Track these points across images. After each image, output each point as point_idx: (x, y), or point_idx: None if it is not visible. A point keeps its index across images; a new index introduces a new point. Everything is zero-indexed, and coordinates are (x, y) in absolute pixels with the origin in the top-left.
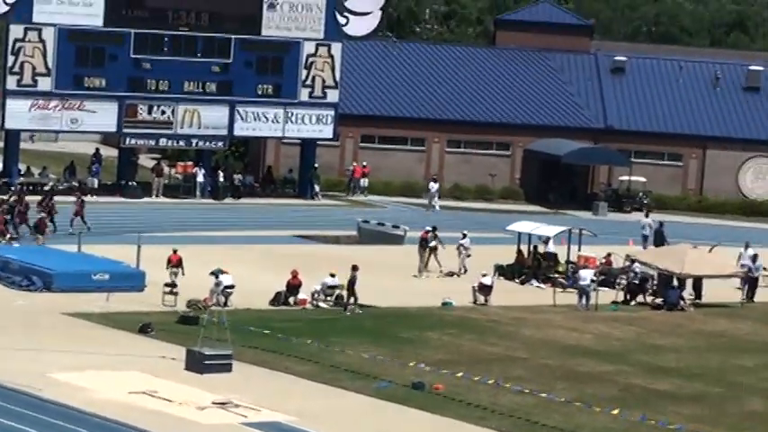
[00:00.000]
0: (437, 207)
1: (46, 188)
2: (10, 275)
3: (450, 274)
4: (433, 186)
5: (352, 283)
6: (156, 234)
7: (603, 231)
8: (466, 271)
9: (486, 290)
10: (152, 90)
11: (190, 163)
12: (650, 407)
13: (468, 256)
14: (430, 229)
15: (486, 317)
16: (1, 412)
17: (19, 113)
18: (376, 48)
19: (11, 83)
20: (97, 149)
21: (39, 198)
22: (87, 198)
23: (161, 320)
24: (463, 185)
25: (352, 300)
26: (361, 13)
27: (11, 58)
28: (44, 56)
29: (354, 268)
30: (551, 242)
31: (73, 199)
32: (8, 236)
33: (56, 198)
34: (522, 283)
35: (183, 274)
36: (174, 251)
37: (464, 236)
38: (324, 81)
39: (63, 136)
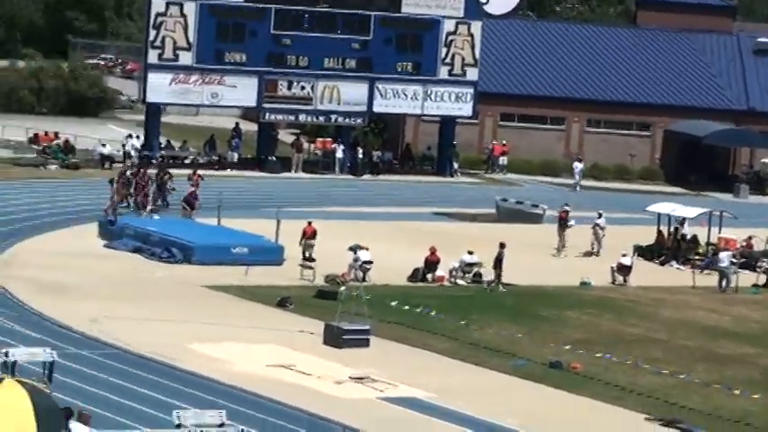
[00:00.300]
0: (579, 187)
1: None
2: (150, 247)
3: (588, 254)
4: (578, 166)
5: (499, 260)
6: (295, 209)
7: (744, 214)
8: (599, 251)
9: (625, 270)
10: (292, 66)
11: (329, 139)
12: None
13: (603, 236)
14: (568, 208)
15: (624, 297)
16: (140, 382)
17: (160, 87)
18: (516, 26)
19: (152, 57)
20: (237, 124)
21: (188, 172)
22: (227, 172)
23: (299, 294)
24: (602, 165)
25: (495, 278)
26: None
27: (152, 33)
28: (185, 30)
29: (502, 245)
30: (686, 224)
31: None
32: (149, 208)
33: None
34: (662, 264)
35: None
36: (309, 223)
37: (600, 215)
38: (463, 59)
39: (202, 110)
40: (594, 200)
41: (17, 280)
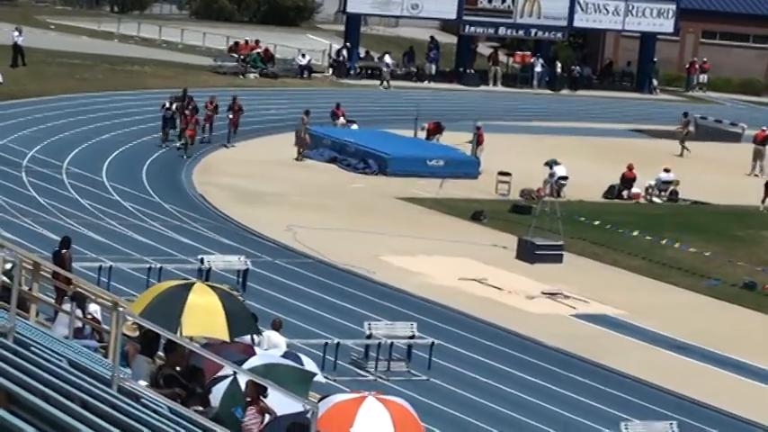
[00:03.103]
0: None
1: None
2: (346, 158)
3: None
4: None
5: None
6: (492, 122)
7: None
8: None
9: None
10: None
11: (528, 53)
12: None
13: None
14: (766, 128)
15: None
16: (332, 292)
17: None
18: None
19: None
20: (432, 37)
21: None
22: (425, 84)
23: (494, 209)
24: None
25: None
26: None
27: None
28: None
29: None
30: None
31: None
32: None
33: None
34: None
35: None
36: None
37: None
38: None
39: (402, 21)
40: None
41: (214, 187)
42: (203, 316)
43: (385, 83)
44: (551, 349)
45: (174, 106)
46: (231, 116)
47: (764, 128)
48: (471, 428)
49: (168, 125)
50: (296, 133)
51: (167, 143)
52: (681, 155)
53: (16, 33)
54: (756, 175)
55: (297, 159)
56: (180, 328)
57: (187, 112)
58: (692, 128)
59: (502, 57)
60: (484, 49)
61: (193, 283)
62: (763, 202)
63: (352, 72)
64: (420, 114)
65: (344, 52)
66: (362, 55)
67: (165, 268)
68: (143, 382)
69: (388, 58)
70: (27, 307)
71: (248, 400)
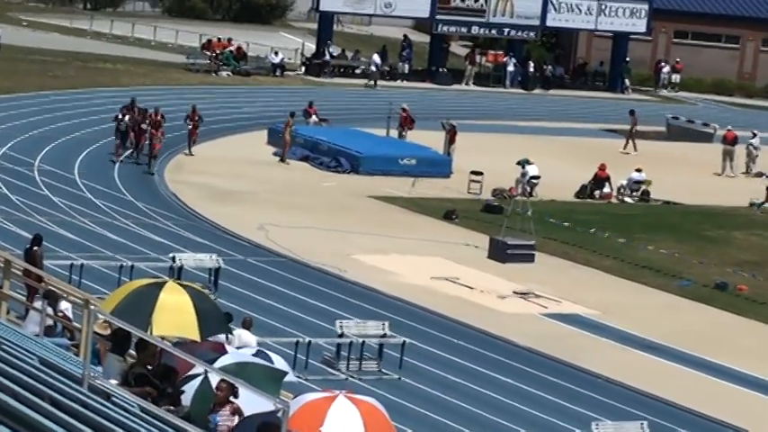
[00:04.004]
0: None
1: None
2: (319, 156)
3: (760, 175)
4: None
5: None
6: (465, 121)
7: None
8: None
9: None
10: None
11: (500, 52)
12: None
13: (757, 156)
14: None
15: None
16: (304, 290)
17: None
18: None
19: None
20: (405, 35)
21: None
22: (397, 83)
23: (466, 208)
24: None
25: None
26: None
27: None
28: None
29: None
30: None
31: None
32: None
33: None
34: None
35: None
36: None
37: (754, 135)
38: None
39: (375, 20)
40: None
41: (186, 186)
42: (174, 315)
43: (371, 82)
44: (523, 349)
45: (126, 118)
46: (191, 126)
47: (729, 127)
48: (442, 428)
49: (123, 138)
50: (282, 135)
51: (121, 158)
52: (625, 150)
53: None
54: (729, 176)
55: (281, 161)
56: (150, 327)
57: (144, 125)
58: (638, 126)
59: (477, 56)
60: (457, 48)
61: (165, 282)
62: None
63: (326, 70)
64: (392, 113)
65: (331, 50)
66: (336, 53)
67: (136, 266)
68: (114, 381)
69: (376, 58)
70: None
71: (220, 401)
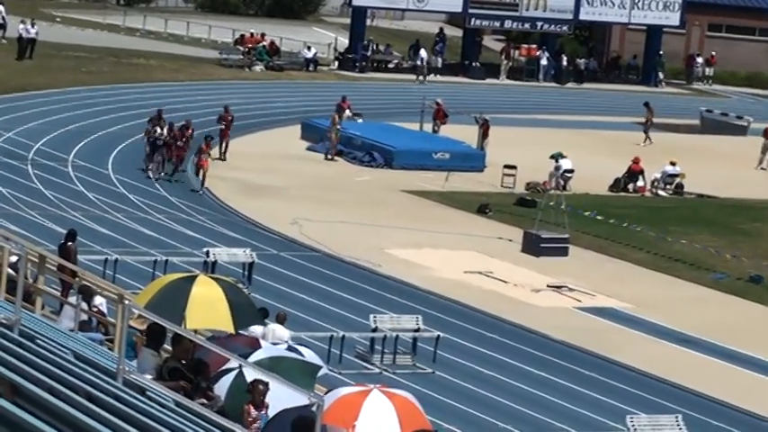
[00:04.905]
0: None
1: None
2: (352, 151)
3: None
4: None
5: None
6: (498, 115)
7: None
8: None
9: None
10: None
11: (534, 46)
12: None
13: None
14: None
15: None
16: (338, 285)
17: None
18: None
19: None
20: (441, 29)
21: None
22: (430, 77)
23: (499, 201)
24: None
25: None
26: None
27: None
28: None
29: None
30: None
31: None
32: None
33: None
34: None
35: None
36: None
37: None
38: None
39: (408, 15)
40: None
41: (220, 180)
42: (207, 308)
43: (420, 77)
44: (557, 342)
45: (164, 131)
46: (223, 126)
47: None
48: (476, 421)
49: (158, 153)
50: (328, 132)
51: (158, 175)
52: (644, 144)
53: (22, 26)
54: (763, 169)
55: (327, 158)
56: (184, 321)
57: (181, 143)
58: (654, 118)
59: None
60: (489, 42)
61: (197, 276)
62: None
63: (357, 65)
64: (425, 108)
65: (373, 46)
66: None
67: (170, 261)
68: (148, 375)
69: (423, 53)
70: (33, 299)
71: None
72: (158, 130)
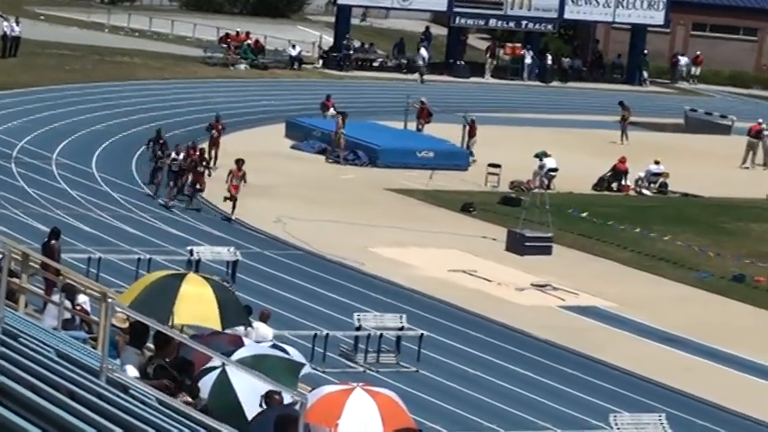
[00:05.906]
0: None
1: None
2: (337, 149)
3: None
4: None
5: None
6: (483, 114)
7: None
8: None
9: None
10: None
11: (518, 45)
12: None
13: None
14: (762, 120)
15: None
16: (322, 283)
17: None
18: None
19: None
20: (427, 27)
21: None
22: (415, 76)
23: (483, 200)
24: None
25: None
26: None
27: None
28: None
29: None
30: None
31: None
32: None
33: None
34: None
35: None
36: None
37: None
38: None
39: (393, 13)
40: None
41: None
42: (196, 305)
43: (420, 76)
44: (540, 341)
45: (180, 156)
46: (214, 134)
47: (760, 120)
48: (460, 420)
49: (176, 179)
50: (334, 135)
51: (172, 201)
52: (621, 142)
53: (6, 24)
54: (747, 168)
55: (330, 161)
56: (172, 316)
57: (201, 168)
58: (631, 116)
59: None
60: (474, 40)
61: (186, 274)
62: None
63: (346, 63)
64: (410, 107)
65: (354, 43)
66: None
67: (154, 259)
68: (132, 373)
69: (423, 52)
70: (16, 298)
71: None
72: (173, 154)
